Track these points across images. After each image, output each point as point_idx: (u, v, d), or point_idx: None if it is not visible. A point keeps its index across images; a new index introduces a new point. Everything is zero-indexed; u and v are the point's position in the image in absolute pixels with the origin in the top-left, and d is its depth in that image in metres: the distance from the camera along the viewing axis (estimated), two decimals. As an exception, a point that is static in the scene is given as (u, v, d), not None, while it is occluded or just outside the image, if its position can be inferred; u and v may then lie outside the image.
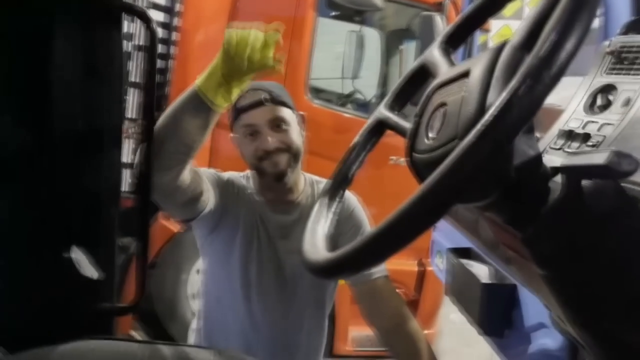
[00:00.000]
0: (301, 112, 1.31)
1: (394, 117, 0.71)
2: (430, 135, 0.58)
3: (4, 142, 0.78)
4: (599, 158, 0.43)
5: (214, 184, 1.21)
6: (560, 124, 0.86)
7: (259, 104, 1.22)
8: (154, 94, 0.90)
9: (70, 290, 0.82)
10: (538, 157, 0.52)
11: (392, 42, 3.33)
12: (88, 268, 0.84)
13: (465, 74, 0.55)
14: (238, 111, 1.24)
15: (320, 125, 2.75)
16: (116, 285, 0.91)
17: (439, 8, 2.65)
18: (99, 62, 0.82)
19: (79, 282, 0.83)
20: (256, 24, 1.00)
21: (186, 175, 1.06)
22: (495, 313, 1.29)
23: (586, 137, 0.75)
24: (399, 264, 2.74)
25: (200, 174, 1.16)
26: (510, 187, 0.52)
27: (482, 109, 0.49)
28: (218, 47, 3.21)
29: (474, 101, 0.50)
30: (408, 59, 3.15)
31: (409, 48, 3.17)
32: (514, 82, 0.42)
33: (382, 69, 3.41)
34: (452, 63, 0.66)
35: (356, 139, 0.73)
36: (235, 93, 1.03)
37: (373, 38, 3.39)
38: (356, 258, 0.50)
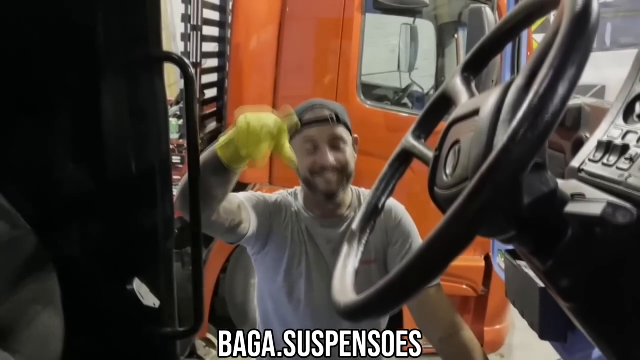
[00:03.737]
0: (355, 135, 1.34)
1: (419, 146, 0.73)
2: (447, 171, 0.59)
3: (68, 188, 0.87)
4: (595, 208, 0.43)
5: (259, 208, 1.26)
6: (599, 134, 0.84)
7: (324, 121, 1.26)
8: (197, 130, 0.95)
9: (134, 319, 0.90)
10: (552, 193, 0.52)
11: (447, 32, 3.28)
12: (149, 297, 0.92)
13: (476, 112, 0.56)
14: (301, 125, 1.25)
15: (375, 126, 2.75)
16: (176, 310, 0.98)
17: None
18: (144, 107, 0.89)
19: (142, 311, 0.90)
20: (266, 108, 1.05)
21: (221, 212, 1.11)
22: (554, 318, 1.26)
23: (625, 148, 0.73)
24: (466, 260, 2.71)
25: (244, 204, 1.21)
26: (526, 223, 0.52)
27: (489, 151, 0.50)
28: (271, 55, 3.25)
29: (482, 143, 0.51)
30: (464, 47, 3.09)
31: (465, 36, 3.11)
32: (514, 124, 0.42)
33: (439, 59, 3.37)
34: (471, 92, 0.67)
35: (385, 169, 0.76)
36: (252, 158, 1.04)
37: (427, 29, 3.36)
38: (381, 301, 0.52)
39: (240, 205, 1.20)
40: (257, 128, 0.99)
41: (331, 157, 1.24)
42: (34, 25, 0.79)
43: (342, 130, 1.27)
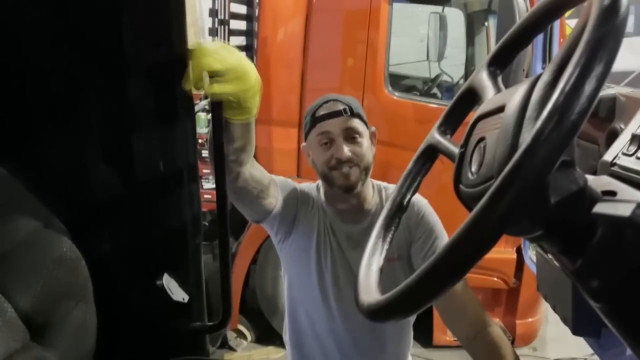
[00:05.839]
0: (372, 128, 1.32)
1: (444, 142, 0.71)
2: (472, 169, 0.58)
3: (99, 189, 0.89)
4: (624, 209, 0.42)
5: (289, 191, 1.27)
6: (633, 127, 0.82)
7: (337, 114, 1.25)
8: (222, 130, 0.96)
9: (164, 314, 0.92)
10: (580, 192, 0.50)
11: (477, 20, 3.22)
12: (178, 292, 0.93)
13: (501, 109, 0.54)
14: (315, 120, 1.27)
15: (403, 117, 2.73)
16: (205, 305, 1.00)
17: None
18: (170, 108, 0.90)
19: (172, 306, 0.92)
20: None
21: (248, 177, 1.10)
22: (587, 313, 1.23)
23: None
24: (497, 252, 2.67)
25: (275, 181, 1.22)
26: (554, 223, 0.51)
27: (514, 151, 0.49)
28: (298, 47, 3.23)
29: (507, 142, 0.50)
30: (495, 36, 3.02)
31: (495, 25, 3.04)
32: (538, 123, 0.41)
33: (468, 48, 3.31)
34: (498, 87, 0.65)
35: (410, 165, 0.74)
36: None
37: (456, 18, 3.30)
38: (403, 302, 0.51)
39: (271, 181, 1.22)
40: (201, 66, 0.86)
41: (347, 150, 1.24)
42: (63, 34, 0.81)
43: (356, 123, 1.26)
